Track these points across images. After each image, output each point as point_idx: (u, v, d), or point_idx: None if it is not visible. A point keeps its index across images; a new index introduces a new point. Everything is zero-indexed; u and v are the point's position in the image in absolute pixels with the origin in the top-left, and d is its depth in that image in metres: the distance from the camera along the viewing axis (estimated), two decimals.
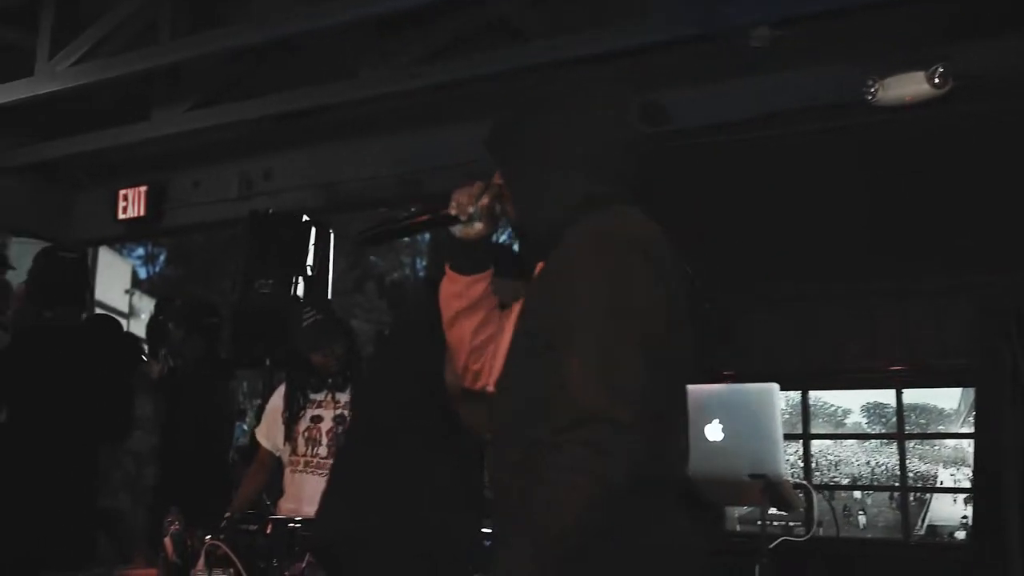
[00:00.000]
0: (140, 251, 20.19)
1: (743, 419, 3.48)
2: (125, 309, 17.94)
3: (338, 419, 4.02)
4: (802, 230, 4.93)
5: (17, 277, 4.88)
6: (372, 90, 5.24)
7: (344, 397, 4.06)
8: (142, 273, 20.66)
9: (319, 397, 4.13)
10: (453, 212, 1.90)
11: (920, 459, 5.71)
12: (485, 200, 1.90)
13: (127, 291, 18.86)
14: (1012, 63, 4.12)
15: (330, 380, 4.10)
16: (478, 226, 1.91)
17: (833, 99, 4.51)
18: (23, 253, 6.90)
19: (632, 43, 4.44)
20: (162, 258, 20.73)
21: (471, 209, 1.90)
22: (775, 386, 3.43)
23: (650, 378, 1.60)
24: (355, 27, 4.97)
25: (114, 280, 18.20)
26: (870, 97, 4.27)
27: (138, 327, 10.92)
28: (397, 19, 4.97)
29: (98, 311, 7.59)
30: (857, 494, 5.83)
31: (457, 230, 1.92)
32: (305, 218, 6.01)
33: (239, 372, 7.21)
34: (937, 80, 4.11)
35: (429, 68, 5.04)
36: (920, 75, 4.14)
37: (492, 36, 5.04)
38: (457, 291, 1.95)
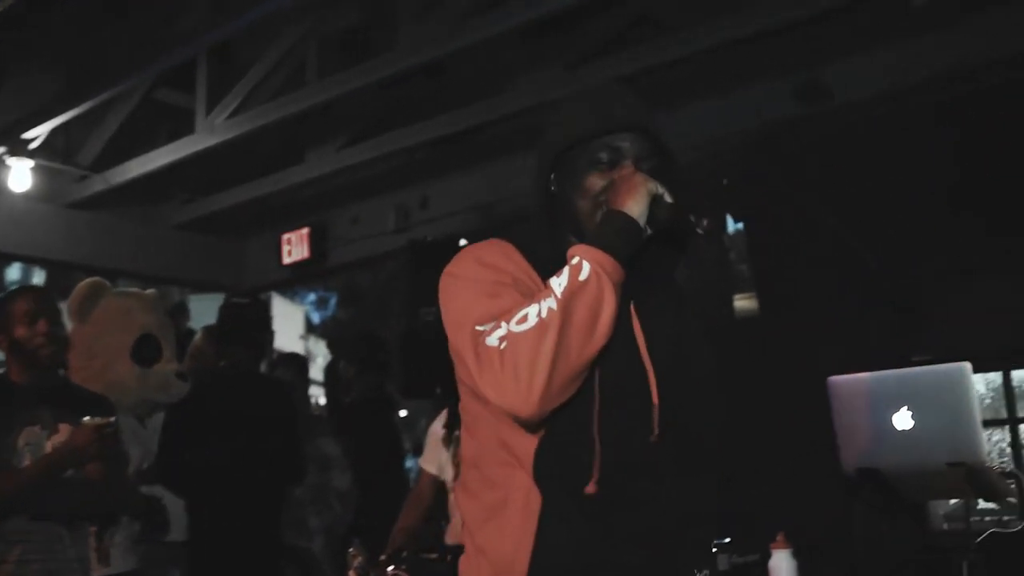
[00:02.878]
0: (312, 296, 20.82)
1: (934, 404, 3.21)
2: (301, 354, 18.48)
3: None
4: (990, 195, 4.58)
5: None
6: (521, 104, 5.20)
7: None
8: (315, 318, 21.28)
9: None
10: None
11: None
12: None
13: (301, 336, 19.46)
14: None
15: None
16: None
17: (1010, 50, 4.17)
18: (203, 309, 7.20)
19: (786, 17, 4.24)
20: (333, 301, 21.32)
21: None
22: (967, 365, 3.15)
23: None
24: (499, 43, 4.94)
25: (289, 326, 18.84)
26: None
27: (315, 371, 11.24)
28: (539, 30, 4.92)
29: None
30: None
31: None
32: (463, 242, 6.00)
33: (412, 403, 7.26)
34: None
35: (575, 74, 4.96)
36: None
37: (638, 33, 4.92)
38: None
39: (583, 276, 1.53)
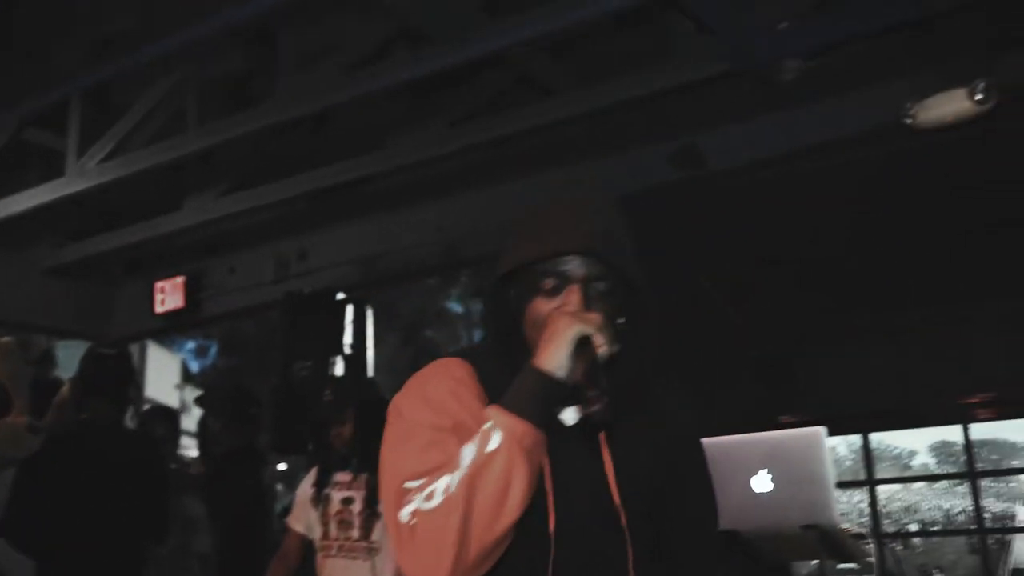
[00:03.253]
0: (191, 344, 20.28)
1: (791, 467, 3.30)
2: (176, 404, 18.00)
3: (369, 500, 3.90)
4: (852, 264, 4.77)
5: None
6: (403, 159, 5.20)
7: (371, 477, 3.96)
8: (195, 366, 20.72)
9: (347, 478, 4.03)
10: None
11: (996, 498, 5.44)
12: None
13: (177, 386, 18.93)
14: None
15: (354, 460, 4.00)
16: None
17: (871, 126, 4.38)
18: (71, 357, 6.92)
19: (660, 86, 4.36)
20: (213, 350, 20.80)
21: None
22: (822, 430, 3.26)
23: None
24: (384, 97, 4.95)
25: (164, 375, 18.29)
26: (909, 120, 4.13)
27: (189, 422, 10.94)
28: (424, 87, 4.95)
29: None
30: (934, 540, 5.56)
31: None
32: (340, 296, 5.95)
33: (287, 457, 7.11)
34: (980, 96, 3.97)
35: (458, 131, 5.00)
36: (961, 92, 4.00)
37: (519, 94, 5.00)
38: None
39: (491, 446, 1.47)
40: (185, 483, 4.85)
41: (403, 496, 1.50)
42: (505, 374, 1.57)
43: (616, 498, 1.61)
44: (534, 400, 1.50)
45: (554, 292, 1.62)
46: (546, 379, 1.51)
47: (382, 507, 1.64)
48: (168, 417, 5.58)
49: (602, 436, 1.65)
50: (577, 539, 1.58)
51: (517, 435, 1.47)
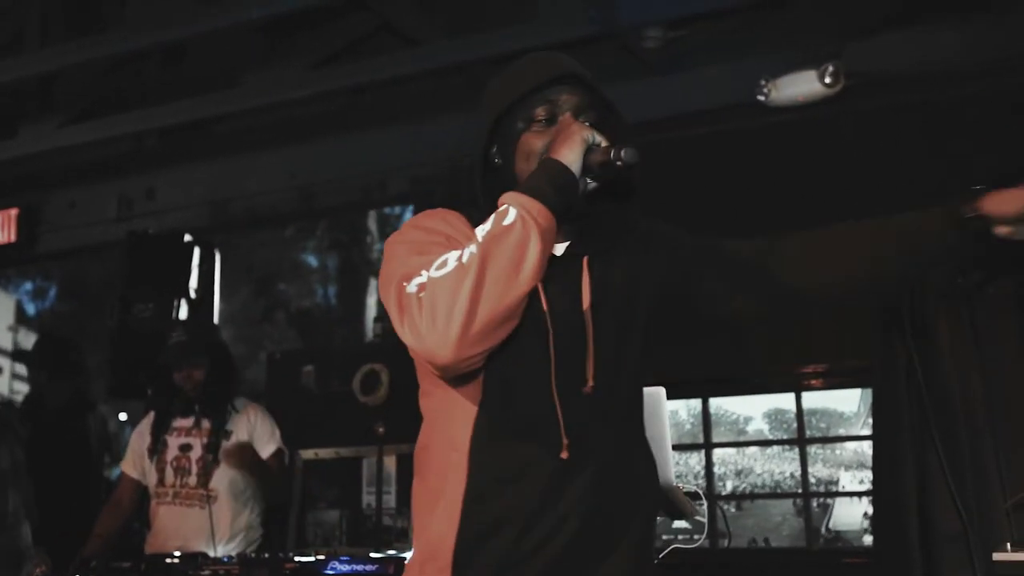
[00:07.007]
0: (28, 286, 19.34)
1: None
2: (9, 347, 17.21)
3: (209, 447, 3.82)
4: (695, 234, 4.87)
5: None
6: (258, 100, 5.05)
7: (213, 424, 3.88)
8: (31, 309, 19.77)
9: (187, 424, 3.93)
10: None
11: (823, 463, 5.70)
12: None
13: (10, 327, 18.08)
14: (903, 59, 4.15)
15: (197, 407, 3.90)
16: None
17: (727, 100, 4.48)
18: None
19: (522, 46, 4.34)
20: (52, 292, 19.87)
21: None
22: (661, 390, 3.31)
23: None
24: (241, 34, 4.77)
25: None
26: (763, 97, 4.25)
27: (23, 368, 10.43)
28: (283, 25, 4.80)
29: None
30: (762, 503, 5.80)
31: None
32: (187, 238, 5.75)
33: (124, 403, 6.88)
34: (828, 79, 4.11)
35: (317, 75, 4.88)
36: (812, 74, 4.13)
37: (382, 42, 4.90)
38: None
39: (507, 221, 1.49)
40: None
41: (402, 289, 1.52)
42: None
43: (587, 315, 1.66)
44: (550, 183, 1.54)
45: (547, 124, 1.68)
46: (562, 169, 1.55)
47: (386, 305, 1.59)
48: None
49: (585, 263, 1.70)
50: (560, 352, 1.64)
51: (533, 212, 1.50)
